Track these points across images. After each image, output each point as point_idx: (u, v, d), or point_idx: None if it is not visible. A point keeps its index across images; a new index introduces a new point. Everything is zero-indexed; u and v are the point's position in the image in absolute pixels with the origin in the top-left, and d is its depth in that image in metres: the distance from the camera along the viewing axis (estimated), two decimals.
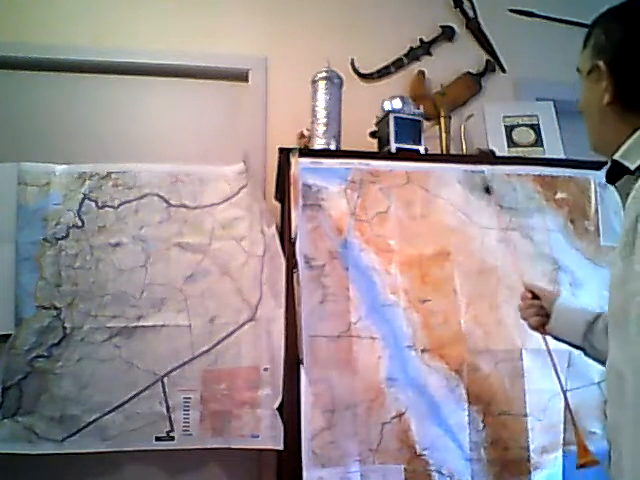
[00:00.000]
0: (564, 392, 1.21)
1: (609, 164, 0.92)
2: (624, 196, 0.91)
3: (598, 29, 0.95)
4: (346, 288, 1.50)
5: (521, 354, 1.51)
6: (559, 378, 1.21)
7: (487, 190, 1.59)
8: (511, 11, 2.17)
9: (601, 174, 1.68)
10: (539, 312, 1.23)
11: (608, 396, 0.89)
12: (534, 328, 1.24)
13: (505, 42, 2.17)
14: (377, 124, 1.79)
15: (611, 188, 0.96)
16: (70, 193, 1.74)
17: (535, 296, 1.25)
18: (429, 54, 2.15)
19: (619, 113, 0.91)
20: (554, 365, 1.20)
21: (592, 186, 1.68)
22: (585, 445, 1.12)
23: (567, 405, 1.22)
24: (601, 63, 0.91)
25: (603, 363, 1.12)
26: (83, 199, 1.74)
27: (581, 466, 1.12)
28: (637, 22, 0.90)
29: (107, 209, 1.74)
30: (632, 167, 0.87)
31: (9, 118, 1.96)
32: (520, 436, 1.48)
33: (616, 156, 0.90)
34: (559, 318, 1.19)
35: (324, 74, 1.70)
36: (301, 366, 1.43)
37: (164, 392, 1.65)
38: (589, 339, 1.14)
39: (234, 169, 1.80)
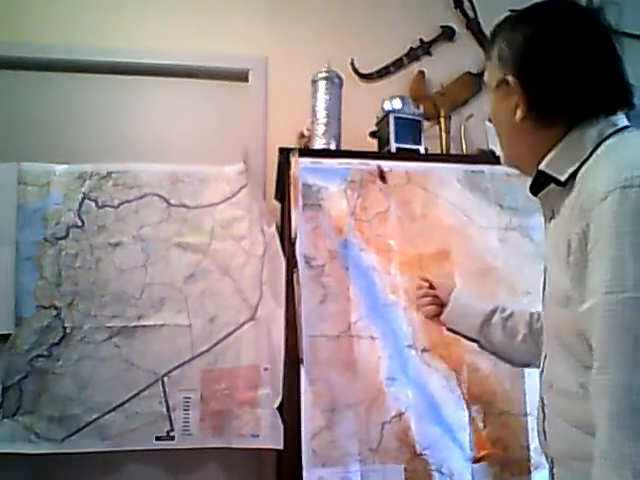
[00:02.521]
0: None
1: (534, 175, 0.88)
2: (548, 207, 0.88)
3: (500, 40, 0.90)
4: (346, 288, 1.50)
5: None
6: None
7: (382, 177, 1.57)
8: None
9: None
10: (434, 302, 1.21)
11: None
12: (428, 318, 1.23)
13: None
14: (377, 124, 1.79)
15: None
16: (70, 193, 1.74)
17: (432, 287, 1.23)
18: (429, 54, 2.15)
19: (534, 127, 0.86)
20: None
21: None
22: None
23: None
24: (510, 78, 0.86)
25: (499, 356, 1.15)
26: (83, 199, 1.74)
27: (480, 459, 1.13)
28: (537, 31, 0.86)
29: (107, 209, 1.74)
30: (562, 178, 0.82)
31: (9, 118, 1.95)
32: (520, 436, 1.48)
33: (541, 166, 0.85)
34: (454, 309, 1.17)
35: (324, 74, 1.70)
36: (301, 366, 1.43)
37: (164, 392, 1.65)
38: (484, 332, 1.13)
39: (234, 169, 1.80)
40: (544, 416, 0.88)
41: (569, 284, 0.77)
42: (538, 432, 0.92)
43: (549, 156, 0.85)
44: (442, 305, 1.20)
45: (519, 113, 0.86)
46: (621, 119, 0.83)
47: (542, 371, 0.91)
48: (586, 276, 0.74)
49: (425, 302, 1.22)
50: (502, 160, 0.96)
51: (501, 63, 0.89)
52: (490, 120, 0.98)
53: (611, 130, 0.81)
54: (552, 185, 0.85)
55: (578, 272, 0.75)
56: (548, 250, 0.89)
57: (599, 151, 0.80)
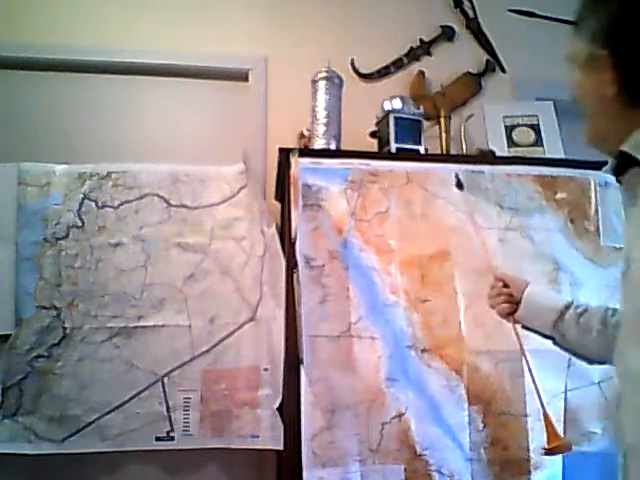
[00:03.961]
0: (535, 386, 1.21)
1: (617, 156, 0.84)
2: (630, 192, 0.84)
3: (589, 12, 0.87)
4: (346, 288, 1.50)
5: (521, 355, 1.51)
6: (532, 376, 1.21)
7: (459, 186, 1.58)
8: (511, 11, 2.17)
9: (601, 174, 1.69)
10: (508, 300, 1.20)
11: (623, 399, 0.81)
12: (502, 316, 1.21)
13: (505, 42, 2.17)
14: (377, 124, 1.79)
15: (612, 187, 0.92)
16: (70, 193, 1.74)
17: (505, 285, 1.22)
18: (429, 54, 2.15)
19: (624, 105, 0.82)
20: (525, 358, 1.21)
21: (592, 186, 1.68)
22: (555, 429, 1.12)
23: (538, 396, 1.20)
24: (602, 52, 0.82)
25: (574, 353, 1.13)
26: (83, 199, 1.73)
27: (550, 451, 1.12)
28: (630, 1, 0.82)
29: (107, 209, 1.74)
30: None
31: (9, 118, 1.96)
32: (520, 436, 1.48)
33: (625, 147, 0.82)
34: (528, 306, 1.17)
35: (324, 74, 1.70)
36: (301, 366, 1.43)
37: (164, 392, 1.65)
38: (559, 328, 1.12)
39: (234, 169, 1.80)
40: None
41: None
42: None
43: (633, 136, 0.81)
44: (517, 303, 1.19)
45: (611, 90, 0.82)
46: None
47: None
48: None
49: (499, 301, 1.20)
50: (585, 139, 0.92)
51: (590, 37, 0.85)
52: (575, 101, 0.92)
53: None
54: (636, 168, 0.81)
55: None
56: (631, 237, 0.84)
57: None
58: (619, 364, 0.84)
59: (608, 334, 1.04)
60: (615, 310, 1.06)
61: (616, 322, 1.00)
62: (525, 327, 1.19)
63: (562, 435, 1.13)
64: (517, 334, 1.19)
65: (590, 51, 0.85)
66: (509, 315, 1.20)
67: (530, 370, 1.21)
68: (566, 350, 1.14)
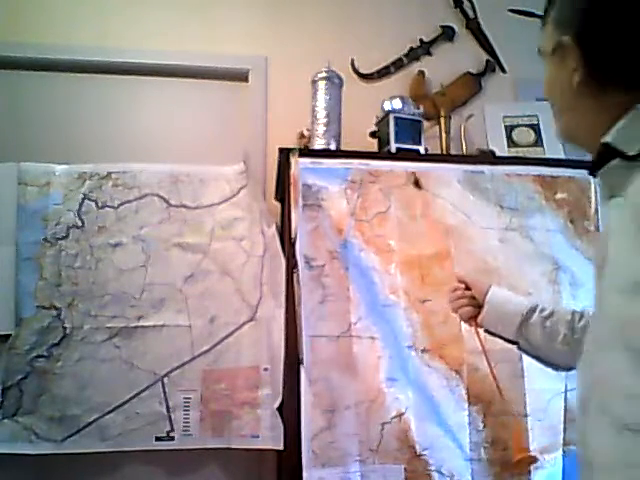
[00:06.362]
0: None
1: (599, 149, 0.77)
2: (609, 186, 0.78)
3: (555, 2, 0.82)
4: (346, 288, 1.50)
5: (521, 354, 1.51)
6: (493, 374, 1.19)
7: (416, 184, 1.56)
8: (511, 11, 2.17)
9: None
10: (470, 303, 1.15)
11: (591, 409, 0.72)
12: (464, 320, 1.17)
13: (505, 42, 2.17)
14: (377, 124, 1.79)
15: None
16: (70, 193, 1.74)
17: (467, 288, 1.17)
18: (429, 54, 2.15)
19: (594, 93, 0.77)
20: (489, 365, 1.18)
21: (592, 186, 1.68)
22: (522, 442, 1.09)
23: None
24: (566, 38, 0.77)
25: (539, 359, 1.07)
26: (83, 199, 1.74)
27: (517, 462, 1.08)
28: None
29: (107, 209, 1.74)
30: (631, 152, 0.72)
31: (9, 118, 1.95)
32: (520, 436, 1.48)
33: (607, 139, 0.74)
34: (491, 309, 1.11)
35: (324, 74, 1.70)
36: (301, 366, 1.43)
37: (164, 392, 1.65)
38: (523, 332, 1.06)
39: (234, 169, 1.80)
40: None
41: (629, 273, 0.67)
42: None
43: (615, 127, 0.74)
44: (479, 306, 1.13)
45: (576, 76, 0.77)
46: None
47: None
48: None
49: (461, 304, 1.16)
50: (557, 135, 0.87)
51: (557, 25, 0.81)
52: (545, 97, 0.88)
53: None
54: (616, 161, 0.74)
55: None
56: (607, 233, 0.77)
57: None
58: (586, 369, 0.77)
59: (575, 339, 0.99)
60: (582, 314, 1.02)
61: (583, 326, 0.98)
62: (488, 331, 1.14)
63: (529, 447, 1.09)
64: (479, 338, 1.15)
65: (555, 40, 0.80)
66: (471, 319, 1.15)
67: (492, 371, 1.19)
68: (531, 355, 1.09)
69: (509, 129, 1.98)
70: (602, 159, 0.76)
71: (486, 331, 1.14)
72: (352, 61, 2.09)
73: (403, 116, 1.71)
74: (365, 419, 1.43)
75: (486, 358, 1.19)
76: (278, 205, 1.87)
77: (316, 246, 1.52)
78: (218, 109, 2.07)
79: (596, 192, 1.68)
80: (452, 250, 1.57)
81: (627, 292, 0.67)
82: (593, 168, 0.79)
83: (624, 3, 0.74)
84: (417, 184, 1.57)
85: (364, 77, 2.10)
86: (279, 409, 1.61)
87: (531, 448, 1.47)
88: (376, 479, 1.41)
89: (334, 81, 1.70)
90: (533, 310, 1.07)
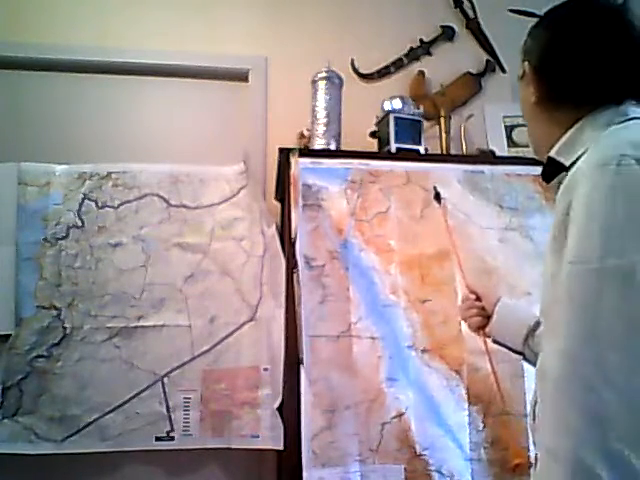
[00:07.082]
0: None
1: (546, 161, 0.90)
2: (555, 197, 0.87)
3: (528, 37, 0.97)
4: (346, 288, 1.50)
5: None
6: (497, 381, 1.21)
7: (437, 197, 1.57)
8: (511, 11, 2.17)
9: None
10: (480, 313, 1.20)
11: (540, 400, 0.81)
12: (473, 330, 1.21)
13: (505, 42, 2.17)
14: (377, 124, 1.79)
15: None
16: (70, 193, 1.74)
17: (478, 298, 1.22)
18: (429, 54, 2.15)
19: (548, 112, 0.90)
20: (492, 367, 1.20)
21: None
22: (522, 440, 1.10)
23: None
24: (526, 64, 0.93)
25: None
26: (83, 199, 1.74)
27: (516, 467, 1.09)
28: (558, 28, 0.91)
29: (107, 209, 1.74)
30: (567, 163, 0.84)
31: (9, 118, 1.95)
32: (520, 436, 1.48)
33: (551, 153, 0.88)
34: (499, 320, 1.16)
35: (324, 74, 1.70)
36: (301, 366, 1.43)
37: (164, 392, 1.65)
38: (529, 344, 1.10)
39: (234, 169, 1.80)
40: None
41: (552, 261, 0.80)
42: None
43: (559, 142, 0.87)
44: (488, 317, 1.18)
45: (533, 98, 0.92)
46: (633, 109, 0.83)
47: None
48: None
49: (470, 314, 1.21)
50: (532, 151, 1.00)
51: (524, 55, 0.96)
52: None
53: (621, 119, 0.82)
54: (563, 173, 0.85)
55: (559, 246, 0.77)
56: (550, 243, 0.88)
57: (602, 136, 0.80)
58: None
59: None
60: None
61: None
62: (496, 342, 1.17)
63: (529, 447, 1.10)
64: (486, 348, 1.18)
65: (522, 67, 0.95)
66: (480, 329, 1.19)
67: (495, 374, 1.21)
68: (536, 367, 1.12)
69: (509, 129, 1.98)
70: (550, 172, 0.89)
71: (494, 341, 1.18)
72: (352, 61, 2.09)
73: (403, 116, 1.71)
74: (365, 419, 1.43)
75: (490, 361, 1.21)
76: (278, 205, 1.87)
77: (316, 246, 1.52)
78: (218, 109, 2.07)
79: None
80: (458, 252, 1.56)
81: (547, 284, 0.83)
82: (544, 179, 0.91)
83: (572, 41, 0.88)
84: (437, 198, 1.57)
85: (364, 77, 2.10)
86: (279, 409, 1.60)
87: (531, 448, 1.47)
88: (376, 479, 1.41)
89: (334, 81, 1.70)
90: (540, 322, 1.09)
